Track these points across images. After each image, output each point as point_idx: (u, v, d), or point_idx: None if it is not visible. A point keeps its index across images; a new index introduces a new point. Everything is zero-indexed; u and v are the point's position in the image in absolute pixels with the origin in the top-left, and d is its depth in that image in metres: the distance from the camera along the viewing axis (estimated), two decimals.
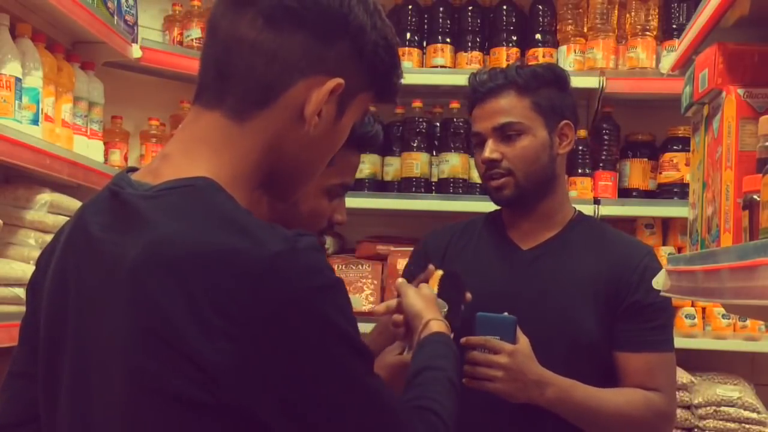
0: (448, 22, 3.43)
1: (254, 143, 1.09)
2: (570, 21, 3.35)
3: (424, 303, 1.54)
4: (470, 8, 3.44)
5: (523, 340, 1.69)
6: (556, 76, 1.94)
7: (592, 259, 1.91)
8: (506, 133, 1.88)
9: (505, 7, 3.41)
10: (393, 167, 3.37)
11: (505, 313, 1.71)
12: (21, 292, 2.18)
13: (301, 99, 1.09)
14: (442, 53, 3.38)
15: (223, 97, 1.09)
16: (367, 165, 3.35)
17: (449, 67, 3.37)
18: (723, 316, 3.22)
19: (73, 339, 1.08)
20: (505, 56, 3.34)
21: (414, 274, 2.00)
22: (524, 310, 1.77)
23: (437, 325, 1.48)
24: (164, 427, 0.99)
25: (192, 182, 1.03)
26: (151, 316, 0.97)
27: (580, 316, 1.85)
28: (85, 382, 1.06)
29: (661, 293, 1.55)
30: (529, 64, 3.16)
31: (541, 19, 3.40)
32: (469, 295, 1.73)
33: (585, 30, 3.36)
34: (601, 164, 3.32)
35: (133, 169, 1.13)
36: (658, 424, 1.85)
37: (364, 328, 1.34)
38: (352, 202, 3.30)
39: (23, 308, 2.16)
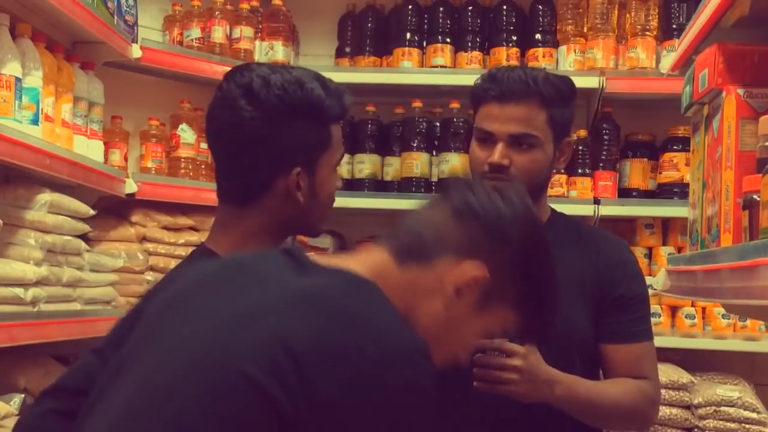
0: (448, 22, 3.43)
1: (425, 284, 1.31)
2: (570, 21, 3.35)
3: None
4: (470, 8, 3.44)
5: None
6: (572, 92, 1.94)
7: (574, 256, 1.92)
8: (520, 143, 1.87)
9: (505, 7, 3.41)
10: (393, 167, 3.37)
11: None
12: (21, 292, 2.18)
13: (450, 274, 1.28)
14: (442, 53, 3.38)
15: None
16: (367, 165, 3.35)
17: (449, 67, 3.37)
18: (723, 316, 3.22)
19: (167, 330, 1.18)
20: (505, 56, 3.34)
21: None
22: None
23: None
24: None
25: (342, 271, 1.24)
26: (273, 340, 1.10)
27: (572, 313, 1.87)
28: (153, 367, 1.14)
29: (661, 293, 1.55)
30: (533, 67, 3.15)
31: (541, 19, 3.40)
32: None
33: (585, 30, 3.35)
34: (601, 164, 3.32)
35: None
36: (648, 409, 1.91)
37: None
38: (352, 202, 3.32)
39: (23, 308, 2.18)
